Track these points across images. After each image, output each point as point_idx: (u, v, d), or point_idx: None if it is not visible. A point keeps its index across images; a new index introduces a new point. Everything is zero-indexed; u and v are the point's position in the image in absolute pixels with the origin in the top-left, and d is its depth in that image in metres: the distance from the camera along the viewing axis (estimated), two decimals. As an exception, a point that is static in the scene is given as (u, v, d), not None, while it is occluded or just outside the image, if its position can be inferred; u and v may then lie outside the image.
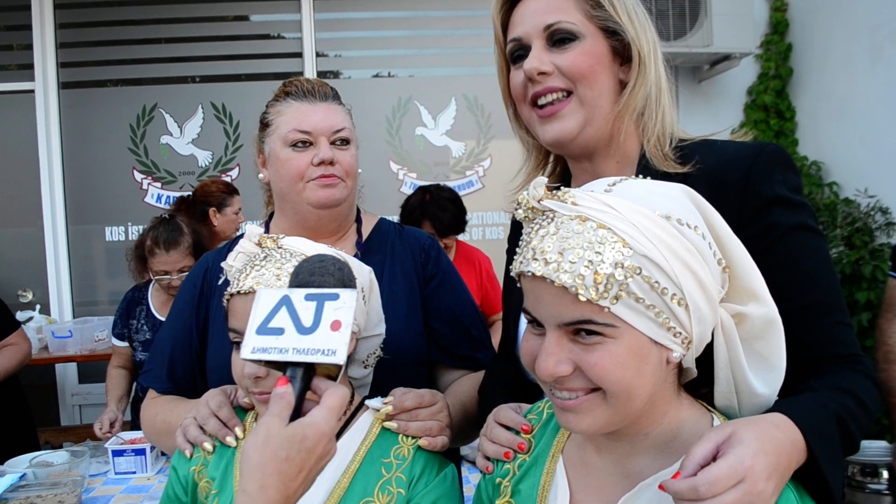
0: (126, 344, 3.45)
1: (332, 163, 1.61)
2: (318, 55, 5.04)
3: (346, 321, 0.89)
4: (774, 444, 0.89)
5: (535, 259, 0.90)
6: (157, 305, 3.39)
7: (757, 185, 1.16)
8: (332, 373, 0.92)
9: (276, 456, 0.86)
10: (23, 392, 3.59)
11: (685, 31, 4.48)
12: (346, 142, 1.65)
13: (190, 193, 3.98)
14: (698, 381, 1.02)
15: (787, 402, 1.00)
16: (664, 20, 4.45)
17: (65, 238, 4.91)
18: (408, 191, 5.00)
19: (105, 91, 5.01)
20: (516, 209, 0.97)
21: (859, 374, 1.11)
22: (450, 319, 1.72)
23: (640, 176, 1.00)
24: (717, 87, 5.01)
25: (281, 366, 0.91)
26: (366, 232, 1.77)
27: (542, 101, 1.27)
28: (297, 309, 0.91)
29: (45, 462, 2.53)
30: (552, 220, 0.92)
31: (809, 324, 1.13)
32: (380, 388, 1.40)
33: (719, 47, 4.50)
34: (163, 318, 3.09)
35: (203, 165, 4.99)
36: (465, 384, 1.62)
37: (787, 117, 4.93)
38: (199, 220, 3.67)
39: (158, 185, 4.96)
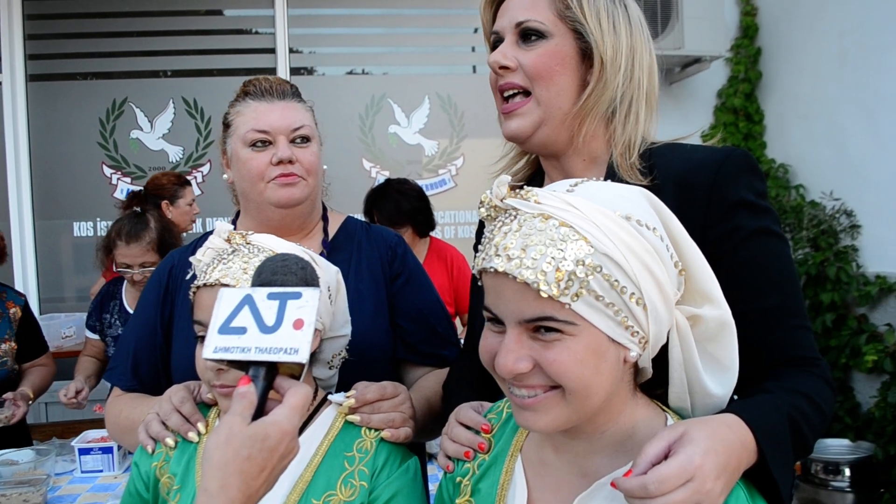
0: (97, 336, 3.42)
1: (291, 161, 1.60)
2: (291, 51, 5.02)
3: (309, 320, 0.89)
4: (725, 444, 0.91)
5: (498, 255, 0.91)
6: (130, 300, 3.35)
7: (723, 189, 1.18)
8: (295, 371, 0.92)
9: (238, 455, 0.86)
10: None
11: (656, 33, 4.52)
12: (306, 139, 1.64)
13: (142, 188, 3.93)
14: (653, 382, 1.03)
15: (740, 403, 1.02)
16: (636, 22, 4.49)
17: (31, 233, 4.83)
18: (380, 189, 5.01)
19: (74, 84, 4.94)
20: (479, 207, 0.98)
21: (815, 378, 1.13)
22: (416, 317, 1.72)
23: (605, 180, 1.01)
24: (687, 90, 5.07)
25: (244, 365, 0.91)
26: (332, 230, 1.77)
27: (506, 94, 1.30)
28: (259, 308, 0.91)
29: (9, 461, 2.49)
30: (515, 217, 0.93)
31: (769, 326, 1.15)
32: (346, 386, 1.40)
33: (690, 50, 4.56)
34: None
35: (174, 161, 4.94)
36: (430, 380, 1.63)
37: (756, 120, 5.00)
38: None
39: (128, 180, 4.91)
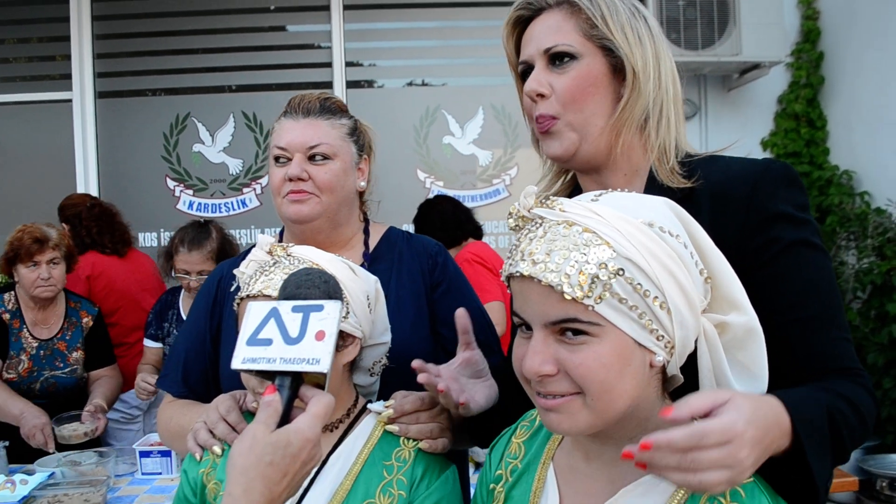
0: (158, 345, 3.53)
1: (301, 178, 1.63)
2: (347, 65, 5.10)
3: (330, 331, 0.93)
4: (766, 420, 0.92)
5: (523, 260, 0.94)
6: (187, 309, 3.45)
7: (761, 201, 1.18)
8: (319, 381, 0.95)
9: (261, 461, 0.89)
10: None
11: (713, 40, 4.46)
12: (324, 157, 1.66)
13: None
14: (684, 390, 1.03)
15: (781, 391, 1.01)
16: (692, 29, 4.43)
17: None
18: (434, 199, 5.05)
19: (140, 100, 5.13)
20: (508, 218, 1.01)
21: (858, 386, 1.12)
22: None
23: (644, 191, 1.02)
24: (746, 96, 4.97)
25: (270, 375, 0.95)
26: (373, 242, 1.80)
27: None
28: (284, 320, 0.95)
29: (73, 461, 2.60)
30: (540, 225, 0.96)
31: (808, 337, 1.14)
32: (388, 393, 1.42)
33: (748, 56, 4.47)
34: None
35: (234, 173, 5.08)
36: None
37: (819, 126, 4.86)
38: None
39: (190, 192, 5.06)
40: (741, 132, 4.92)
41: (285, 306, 0.97)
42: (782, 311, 1.14)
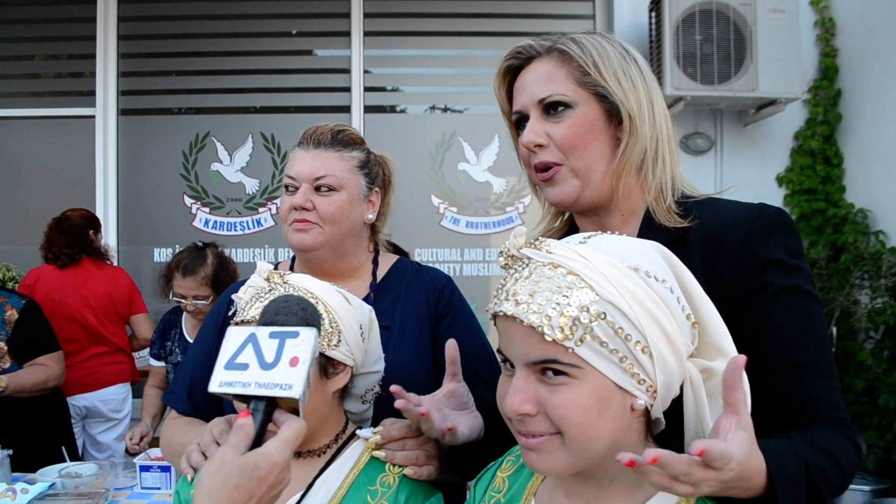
0: (161, 364, 3.58)
1: (305, 208, 1.67)
2: (366, 90, 5.16)
3: (304, 357, 0.95)
4: (746, 464, 0.91)
5: (507, 300, 0.95)
6: (189, 329, 3.50)
7: (754, 245, 1.18)
8: (293, 406, 0.96)
9: (227, 483, 0.90)
10: (65, 406, 3.74)
11: (730, 75, 4.46)
12: (330, 188, 1.70)
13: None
14: (669, 433, 1.03)
15: (760, 440, 1.01)
16: (708, 64, 4.45)
17: (116, 257, 5.09)
18: (448, 225, 5.07)
19: (160, 119, 5.22)
20: (499, 257, 1.02)
21: (841, 437, 1.11)
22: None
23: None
24: (762, 132, 4.96)
25: (247, 399, 0.96)
26: (381, 273, 1.83)
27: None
28: (261, 346, 0.98)
29: (73, 473, 2.63)
30: (527, 265, 0.97)
31: (797, 384, 1.14)
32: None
33: (765, 92, 4.47)
34: (193, 342, 3.20)
35: (250, 192, 5.14)
36: None
37: (835, 163, 4.84)
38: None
39: (207, 210, 5.13)
40: (757, 168, 4.91)
41: (263, 332, 0.99)
42: (771, 357, 1.15)
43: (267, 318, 1.04)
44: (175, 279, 3.35)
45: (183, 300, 3.36)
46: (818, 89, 4.91)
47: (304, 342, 0.96)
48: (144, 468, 2.72)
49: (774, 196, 4.86)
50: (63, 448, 3.00)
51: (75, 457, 3.57)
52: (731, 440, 0.88)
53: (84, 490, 2.48)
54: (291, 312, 1.04)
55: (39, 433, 3.37)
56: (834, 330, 4.30)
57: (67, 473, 2.61)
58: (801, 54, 4.63)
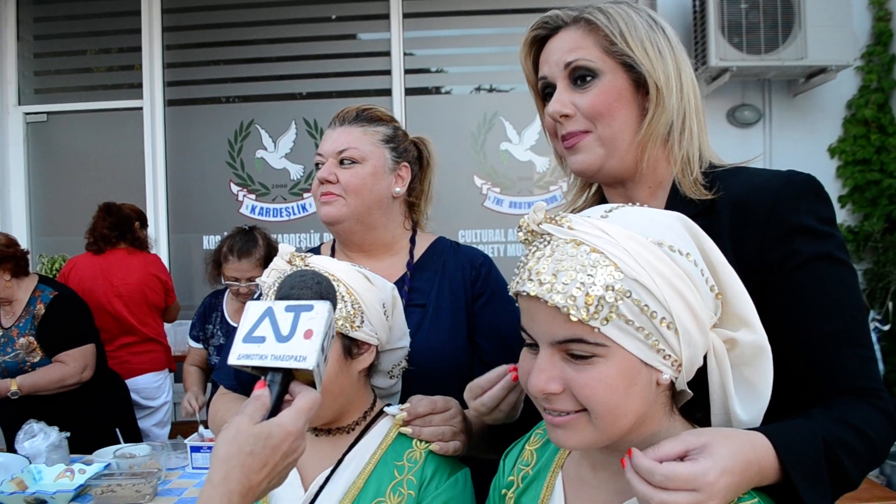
0: (200, 346, 3.68)
1: (329, 181, 1.71)
2: (406, 72, 5.17)
3: (318, 330, 0.96)
4: (744, 465, 0.91)
5: (531, 280, 0.94)
6: (231, 312, 3.58)
7: (782, 213, 1.15)
8: (310, 378, 0.98)
9: (242, 450, 0.92)
10: (124, 389, 3.86)
11: (777, 43, 4.34)
12: (353, 161, 1.73)
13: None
14: (694, 405, 1.02)
15: (773, 425, 0.99)
16: (755, 33, 4.33)
17: (166, 245, 5.24)
18: (491, 205, 5.06)
19: (206, 108, 5.32)
20: (518, 231, 1.01)
21: (873, 409, 1.08)
22: (494, 336, 1.76)
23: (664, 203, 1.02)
24: (813, 102, 4.82)
25: (264, 371, 0.99)
26: (419, 251, 1.85)
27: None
28: (277, 319, 1.00)
29: (128, 454, 2.72)
30: (549, 242, 0.95)
31: (827, 353, 1.11)
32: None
33: (814, 60, 4.33)
34: (235, 325, 3.28)
35: (294, 178, 5.20)
36: None
37: (890, 132, 4.67)
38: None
39: (253, 196, 5.21)
40: (808, 139, 4.77)
41: (279, 306, 1.01)
42: (801, 326, 1.12)
43: (283, 293, 1.07)
44: (229, 262, 3.42)
45: (236, 283, 3.43)
46: (871, 55, 4.74)
47: (318, 315, 0.98)
48: (195, 449, 2.79)
49: (826, 168, 4.72)
50: (117, 430, 3.10)
51: (137, 437, 3.67)
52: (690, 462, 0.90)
53: (138, 470, 2.56)
54: (306, 286, 1.07)
55: (96, 417, 3.47)
56: (890, 305, 4.18)
57: (122, 454, 2.70)
58: (853, 19, 4.47)
